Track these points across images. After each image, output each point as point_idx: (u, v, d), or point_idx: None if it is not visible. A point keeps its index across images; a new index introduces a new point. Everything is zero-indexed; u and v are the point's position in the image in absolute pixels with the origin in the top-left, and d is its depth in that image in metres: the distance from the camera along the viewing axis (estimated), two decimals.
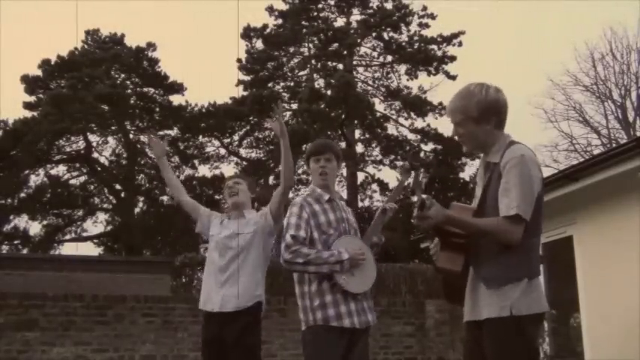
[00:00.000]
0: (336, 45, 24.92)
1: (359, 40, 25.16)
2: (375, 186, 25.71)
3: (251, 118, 24.86)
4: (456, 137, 2.76)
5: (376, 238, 3.67)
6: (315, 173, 3.60)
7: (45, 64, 24.78)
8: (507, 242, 2.52)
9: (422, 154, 25.40)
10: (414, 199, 2.57)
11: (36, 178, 24.92)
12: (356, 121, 24.47)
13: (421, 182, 2.59)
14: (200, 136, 26.01)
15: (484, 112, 2.65)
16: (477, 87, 2.70)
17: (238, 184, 4.35)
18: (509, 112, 2.73)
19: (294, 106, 24.91)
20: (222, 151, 26.44)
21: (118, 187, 25.93)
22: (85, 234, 26.12)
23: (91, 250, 25.31)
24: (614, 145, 20.13)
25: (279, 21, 26.14)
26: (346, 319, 3.33)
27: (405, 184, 3.81)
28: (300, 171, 26.56)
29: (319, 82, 25.61)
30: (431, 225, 2.56)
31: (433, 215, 2.53)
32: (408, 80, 26.14)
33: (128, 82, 26.39)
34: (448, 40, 25.22)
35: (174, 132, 25.91)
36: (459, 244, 2.67)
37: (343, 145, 24.48)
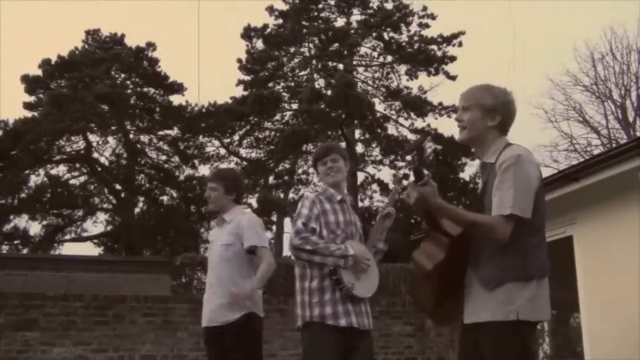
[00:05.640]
0: (336, 45, 24.89)
1: (359, 40, 25.13)
2: (375, 186, 25.70)
3: (251, 118, 24.86)
4: (457, 122, 2.75)
5: (381, 245, 3.64)
6: (324, 175, 3.60)
7: (45, 64, 24.79)
8: (493, 239, 2.49)
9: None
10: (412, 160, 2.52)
11: (36, 178, 24.99)
12: (356, 121, 24.45)
13: (429, 155, 2.53)
14: (200, 136, 26.03)
15: (495, 106, 2.68)
16: (499, 87, 2.75)
17: (212, 191, 4.11)
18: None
19: (295, 106, 24.92)
20: (222, 151, 26.49)
21: (118, 187, 25.94)
22: (85, 234, 26.18)
23: (91, 250, 25.36)
24: (614, 145, 20.12)
25: (280, 21, 26.14)
26: (342, 319, 3.32)
27: (397, 196, 3.75)
28: (300, 171, 26.62)
29: (319, 82, 25.64)
30: (415, 202, 2.53)
31: (422, 193, 2.51)
32: (408, 80, 26.18)
33: (128, 82, 26.40)
34: (448, 40, 25.21)
35: (174, 132, 25.96)
36: (444, 242, 2.60)
37: (343, 145, 24.45)
